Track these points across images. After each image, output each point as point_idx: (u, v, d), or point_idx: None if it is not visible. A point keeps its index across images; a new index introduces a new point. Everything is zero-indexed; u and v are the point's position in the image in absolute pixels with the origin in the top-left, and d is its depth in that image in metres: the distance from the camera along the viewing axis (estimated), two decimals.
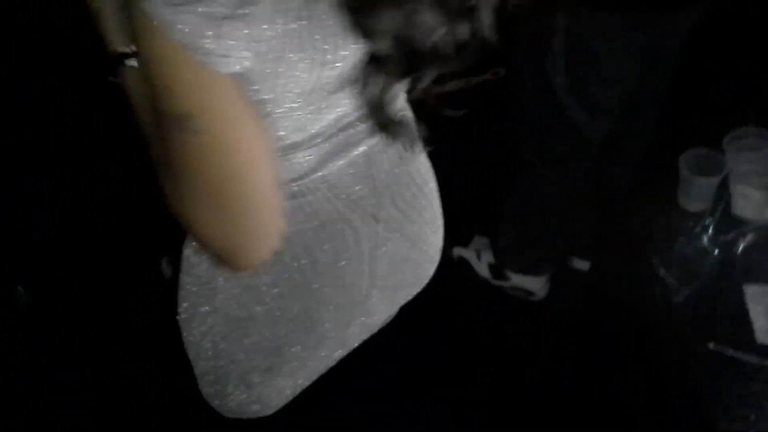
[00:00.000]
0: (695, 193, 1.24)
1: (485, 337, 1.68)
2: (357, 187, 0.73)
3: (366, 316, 0.85)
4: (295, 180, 0.68)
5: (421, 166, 0.83)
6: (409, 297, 0.91)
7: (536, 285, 1.74)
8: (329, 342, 0.83)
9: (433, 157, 0.85)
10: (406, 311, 0.93)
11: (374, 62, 0.57)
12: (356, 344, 0.89)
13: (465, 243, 1.81)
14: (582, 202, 1.61)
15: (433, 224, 0.88)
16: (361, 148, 0.71)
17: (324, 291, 0.77)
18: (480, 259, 1.78)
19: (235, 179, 0.54)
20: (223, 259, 0.60)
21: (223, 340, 0.79)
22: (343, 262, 0.76)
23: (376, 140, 0.71)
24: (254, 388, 0.83)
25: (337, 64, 0.55)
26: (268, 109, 0.57)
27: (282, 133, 0.62)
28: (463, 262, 1.80)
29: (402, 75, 0.59)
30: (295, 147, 0.65)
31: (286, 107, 0.58)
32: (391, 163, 0.76)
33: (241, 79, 0.51)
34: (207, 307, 0.78)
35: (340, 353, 0.87)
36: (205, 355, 0.81)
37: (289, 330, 0.78)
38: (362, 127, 0.69)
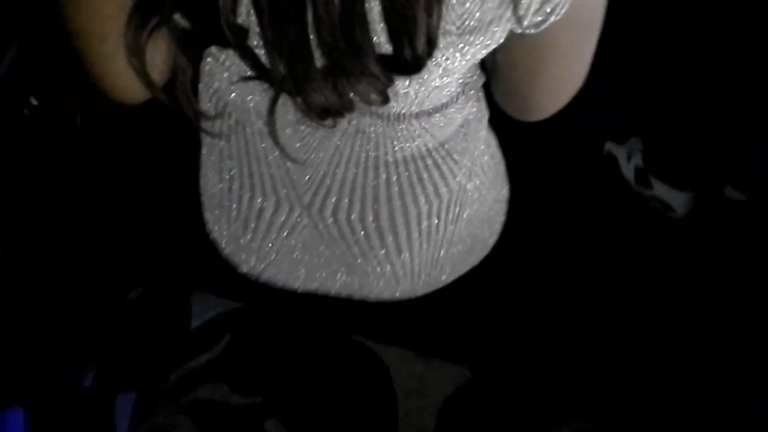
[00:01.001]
0: None
1: (611, 239, 1.63)
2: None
3: None
4: None
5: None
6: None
7: (678, 200, 1.64)
8: None
9: None
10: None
11: None
12: None
13: (621, 141, 1.71)
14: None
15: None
16: None
17: None
18: (629, 161, 1.68)
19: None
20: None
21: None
22: None
23: None
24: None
25: None
26: None
27: None
28: (612, 159, 1.71)
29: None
30: None
31: None
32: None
33: None
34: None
35: None
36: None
37: None
38: None
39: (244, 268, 0.87)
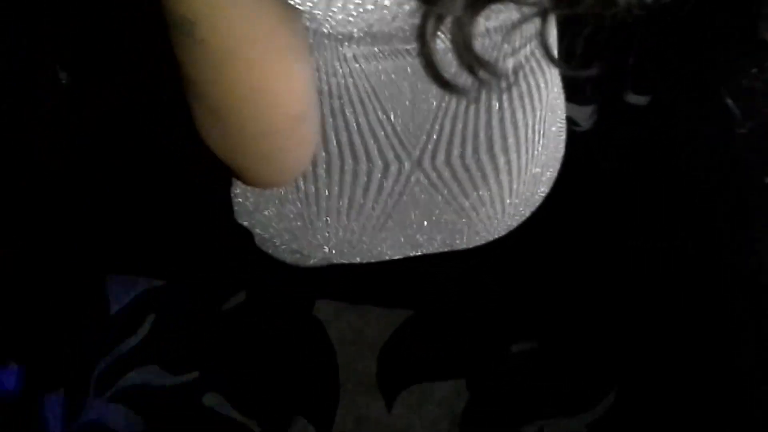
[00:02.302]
0: None
1: None
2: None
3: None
4: None
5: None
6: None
7: (581, 114, 1.66)
8: None
9: None
10: None
11: None
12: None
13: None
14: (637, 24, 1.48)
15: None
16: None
17: None
18: None
19: (243, 98, 0.45)
20: (241, 179, 0.54)
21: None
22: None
23: None
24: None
25: None
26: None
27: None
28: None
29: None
30: None
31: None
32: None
33: None
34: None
35: None
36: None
37: None
38: None
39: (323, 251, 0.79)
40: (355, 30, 0.50)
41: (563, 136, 0.83)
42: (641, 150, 1.66)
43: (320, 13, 0.46)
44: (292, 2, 0.44)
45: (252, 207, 0.78)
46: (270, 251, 0.88)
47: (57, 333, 1.47)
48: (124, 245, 1.59)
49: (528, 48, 0.63)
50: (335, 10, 0.46)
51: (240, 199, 0.79)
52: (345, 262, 0.84)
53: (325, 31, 0.50)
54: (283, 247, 0.83)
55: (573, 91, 1.62)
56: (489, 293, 1.30)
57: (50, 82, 1.64)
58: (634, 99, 1.71)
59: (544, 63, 0.66)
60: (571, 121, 1.67)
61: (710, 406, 1.36)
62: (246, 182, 0.56)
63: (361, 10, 0.46)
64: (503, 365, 1.44)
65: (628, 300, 1.48)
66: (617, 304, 1.47)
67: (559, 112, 0.77)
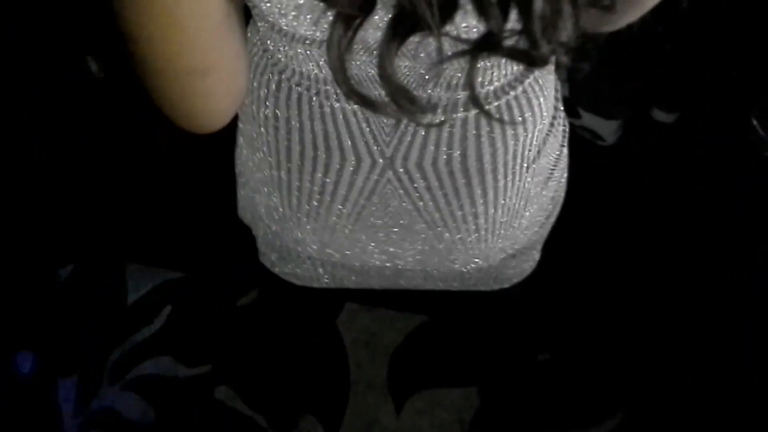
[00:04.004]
0: None
1: None
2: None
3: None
4: None
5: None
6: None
7: (607, 129, 1.65)
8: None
9: None
10: None
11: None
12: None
13: None
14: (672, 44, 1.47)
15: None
16: None
17: None
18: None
19: (150, 38, 0.46)
20: (172, 119, 0.54)
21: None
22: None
23: None
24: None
25: None
26: None
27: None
28: None
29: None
30: None
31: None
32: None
33: None
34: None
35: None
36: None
37: None
38: None
39: (308, 250, 0.79)
40: (303, 30, 0.50)
41: (563, 182, 0.81)
42: (665, 167, 1.65)
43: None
44: None
45: (248, 200, 0.78)
46: (276, 270, 0.88)
47: (74, 320, 1.50)
48: (144, 235, 1.61)
49: (505, 80, 0.61)
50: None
51: (242, 192, 0.80)
52: (342, 282, 0.85)
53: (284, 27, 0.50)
54: (278, 259, 0.84)
55: (599, 106, 1.62)
56: (504, 303, 1.30)
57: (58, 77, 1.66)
58: (661, 116, 1.69)
59: (533, 97, 0.65)
60: (595, 136, 1.67)
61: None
62: (176, 123, 0.56)
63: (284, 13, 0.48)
64: (517, 375, 1.44)
65: (643, 315, 1.46)
66: (631, 319, 1.46)
67: (551, 150, 0.75)
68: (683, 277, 1.50)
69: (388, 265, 0.80)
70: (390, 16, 0.44)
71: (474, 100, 0.50)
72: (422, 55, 0.53)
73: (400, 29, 0.43)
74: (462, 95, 0.60)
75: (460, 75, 0.57)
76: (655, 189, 1.63)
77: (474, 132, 0.64)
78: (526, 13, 0.42)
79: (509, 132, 0.65)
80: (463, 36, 0.47)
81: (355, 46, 0.50)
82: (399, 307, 1.49)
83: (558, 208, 0.84)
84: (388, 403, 1.41)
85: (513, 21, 0.43)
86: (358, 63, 0.55)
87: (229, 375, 1.43)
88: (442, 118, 0.62)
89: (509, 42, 0.44)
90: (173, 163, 1.62)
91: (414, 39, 0.44)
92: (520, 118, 0.65)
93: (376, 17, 0.47)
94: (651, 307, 1.47)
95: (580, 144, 1.66)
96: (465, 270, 0.80)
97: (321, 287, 0.89)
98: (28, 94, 1.73)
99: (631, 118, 1.68)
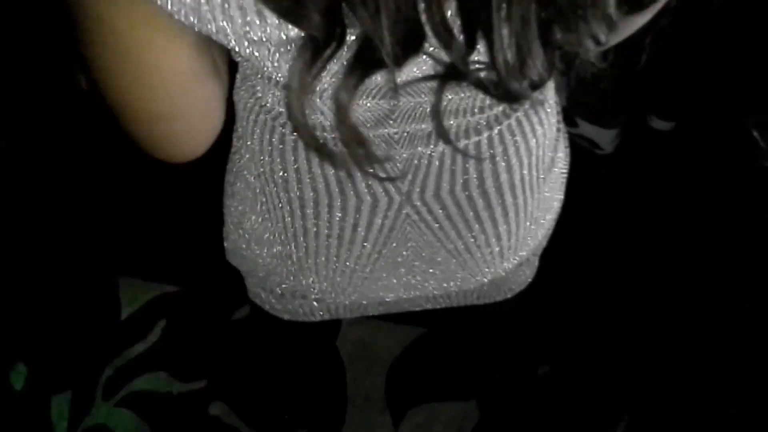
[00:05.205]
0: None
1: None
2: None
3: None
4: None
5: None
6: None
7: (604, 137, 1.64)
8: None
9: None
10: None
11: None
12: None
13: None
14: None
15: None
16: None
17: None
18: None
19: (137, 86, 0.45)
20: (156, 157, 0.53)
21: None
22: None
23: None
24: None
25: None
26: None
27: None
28: None
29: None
30: None
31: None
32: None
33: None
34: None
35: None
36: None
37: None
38: None
39: (328, 295, 0.76)
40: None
41: (564, 180, 0.80)
42: (664, 175, 1.64)
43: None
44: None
45: (243, 244, 0.75)
46: (266, 307, 0.86)
47: (66, 335, 1.48)
48: (138, 249, 1.59)
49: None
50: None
51: (232, 237, 0.77)
52: (338, 312, 0.82)
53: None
54: (272, 296, 0.82)
55: (596, 114, 1.61)
56: (504, 314, 1.28)
57: (55, 83, 1.65)
58: (659, 124, 1.69)
59: (541, 109, 0.64)
60: (593, 144, 1.66)
61: None
62: (162, 158, 0.55)
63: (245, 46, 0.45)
64: (516, 388, 1.42)
65: (643, 324, 1.45)
66: (631, 329, 1.44)
67: (561, 154, 0.75)
68: (682, 286, 1.48)
69: (405, 297, 0.77)
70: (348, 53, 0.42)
71: (440, 133, 0.49)
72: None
73: (361, 64, 0.41)
74: (472, 119, 0.58)
75: (463, 101, 0.55)
76: (654, 197, 1.62)
77: (489, 153, 0.62)
78: (492, 49, 0.40)
79: (522, 147, 0.64)
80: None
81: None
82: (397, 319, 1.47)
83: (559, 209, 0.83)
84: (386, 417, 1.39)
85: (483, 52, 0.41)
86: (320, 107, 0.52)
87: (225, 390, 1.41)
88: (446, 148, 0.60)
89: (479, 74, 0.43)
90: (167, 174, 1.60)
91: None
92: (531, 133, 0.64)
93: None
94: (650, 318, 1.45)
95: (578, 152, 1.66)
96: (473, 287, 0.79)
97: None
98: (28, 94, 1.72)
99: (628, 126, 1.67)
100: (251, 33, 0.42)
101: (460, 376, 1.43)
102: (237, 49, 0.44)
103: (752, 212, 1.46)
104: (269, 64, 0.46)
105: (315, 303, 0.81)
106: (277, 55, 0.44)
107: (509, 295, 0.88)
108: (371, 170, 0.52)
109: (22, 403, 1.40)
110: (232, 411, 1.39)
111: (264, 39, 0.42)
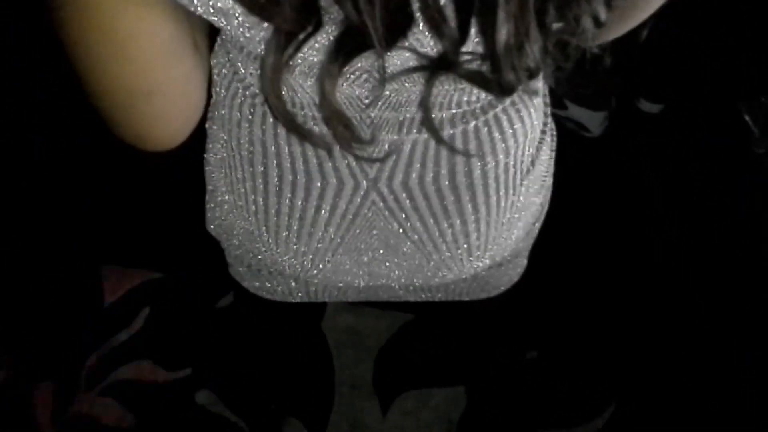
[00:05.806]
0: None
1: None
2: None
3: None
4: None
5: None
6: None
7: (592, 120, 1.63)
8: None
9: None
10: None
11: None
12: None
13: None
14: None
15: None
16: None
17: None
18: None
19: (113, 58, 0.43)
20: (131, 143, 0.51)
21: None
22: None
23: None
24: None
25: None
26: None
27: None
28: None
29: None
30: None
31: None
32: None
33: None
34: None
35: None
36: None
37: None
38: None
39: (295, 272, 0.74)
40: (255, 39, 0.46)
41: (550, 184, 0.79)
42: (652, 157, 1.63)
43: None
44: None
45: (218, 214, 0.74)
46: (245, 284, 0.85)
47: (49, 324, 1.45)
48: (121, 235, 1.56)
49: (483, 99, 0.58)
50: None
51: (210, 205, 0.76)
52: (317, 296, 0.81)
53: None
54: (249, 273, 0.80)
55: (585, 97, 1.60)
56: (492, 301, 1.27)
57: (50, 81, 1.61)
58: (647, 107, 1.68)
59: (523, 107, 0.62)
60: (581, 127, 1.64)
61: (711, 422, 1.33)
62: (126, 142, 0.52)
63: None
64: (505, 373, 1.41)
65: (631, 312, 1.44)
66: (619, 316, 1.44)
67: (544, 157, 0.73)
68: (672, 271, 1.48)
69: (371, 284, 0.76)
70: (334, 34, 0.40)
71: (428, 125, 0.47)
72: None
73: (345, 48, 0.40)
74: (446, 114, 0.56)
75: (441, 94, 0.54)
76: (643, 180, 1.61)
77: (462, 148, 0.60)
78: (488, 34, 0.38)
79: (499, 146, 0.62)
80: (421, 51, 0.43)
81: (298, 68, 0.46)
82: (384, 305, 1.46)
83: (545, 211, 0.81)
84: (374, 404, 1.38)
85: (474, 42, 0.39)
86: (305, 87, 0.51)
87: (211, 378, 1.40)
88: (425, 136, 0.58)
89: (470, 65, 0.41)
90: (150, 162, 1.57)
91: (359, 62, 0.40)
92: (510, 131, 0.62)
93: (319, 38, 0.43)
94: (639, 303, 1.45)
95: (566, 135, 1.65)
96: (451, 283, 0.77)
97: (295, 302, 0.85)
98: (28, 94, 1.68)
99: (617, 108, 1.65)
100: (217, 1, 0.40)
101: (448, 362, 1.42)
102: (205, 17, 0.42)
103: (745, 197, 1.46)
104: (240, 35, 0.44)
105: (293, 283, 0.80)
106: (247, 24, 0.42)
107: (495, 293, 0.87)
108: (353, 150, 0.50)
109: (4, 393, 1.38)
110: (218, 399, 1.37)
111: (230, 9, 0.40)
